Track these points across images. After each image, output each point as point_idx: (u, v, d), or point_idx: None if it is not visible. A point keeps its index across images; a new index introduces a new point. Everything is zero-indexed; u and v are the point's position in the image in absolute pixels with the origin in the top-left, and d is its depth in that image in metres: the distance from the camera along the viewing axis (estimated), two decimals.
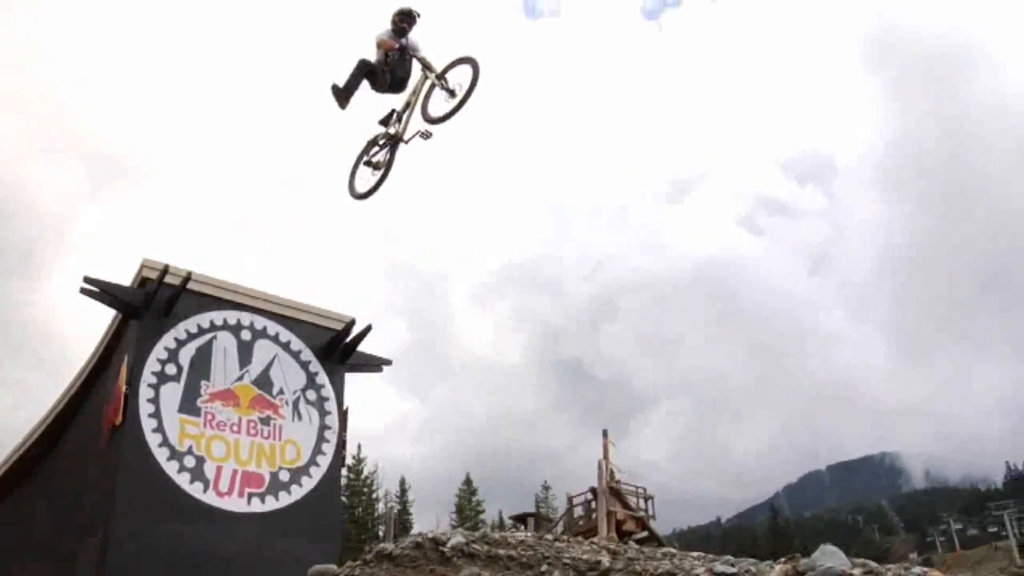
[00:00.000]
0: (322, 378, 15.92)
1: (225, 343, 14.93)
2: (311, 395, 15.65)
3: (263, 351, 15.35)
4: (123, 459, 13.30)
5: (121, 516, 12.83)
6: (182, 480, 13.50)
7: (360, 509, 48.93)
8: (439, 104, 8.46)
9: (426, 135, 8.72)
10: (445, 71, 8.45)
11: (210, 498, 13.69)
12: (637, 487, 27.04)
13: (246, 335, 15.25)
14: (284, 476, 14.68)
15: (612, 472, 25.05)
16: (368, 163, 9.17)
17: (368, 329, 16.43)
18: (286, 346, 15.68)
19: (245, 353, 15.10)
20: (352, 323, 16.24)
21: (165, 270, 14.18)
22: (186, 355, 14.41)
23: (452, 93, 8.27)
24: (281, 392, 15.26)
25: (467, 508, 57.45)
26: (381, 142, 9.09)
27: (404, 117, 8.82)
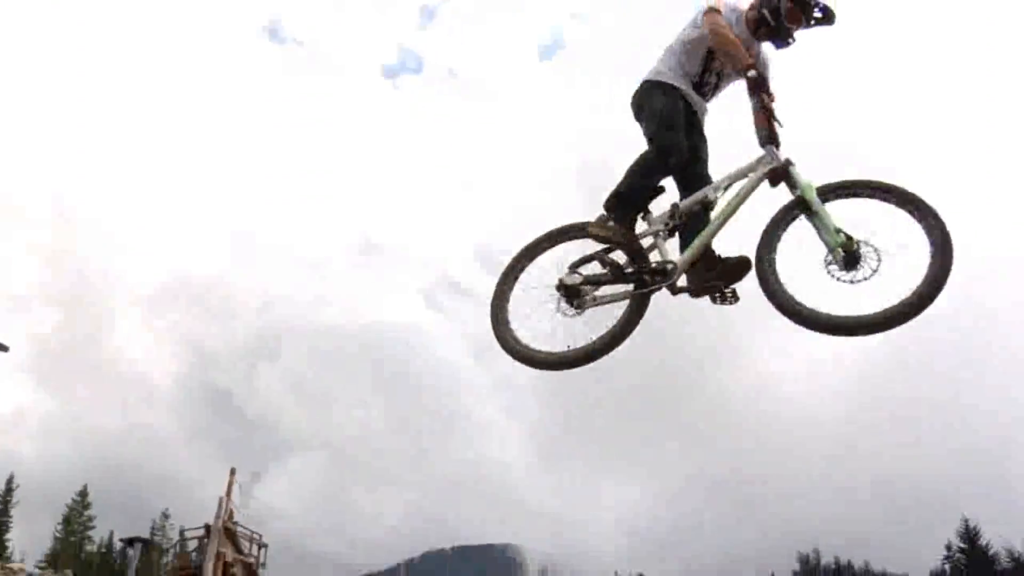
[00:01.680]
0: None
1: None
2: None
3: None
4: None
5: None
6: None
7: None
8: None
9: (729, 297, 4.15)
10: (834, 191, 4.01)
11: None
12: (253, 532, 27.38)
13: None
14: None
15: (232, 512, 25.35)
16: (570, 293, 4.29)
17: None
18: None
19: None
20: None
21: None
22: None
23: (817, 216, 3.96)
24: None
25: (76, 521, 54.10)
26: (616, 262, 4.32)
27: (704, 233, 4.19)
